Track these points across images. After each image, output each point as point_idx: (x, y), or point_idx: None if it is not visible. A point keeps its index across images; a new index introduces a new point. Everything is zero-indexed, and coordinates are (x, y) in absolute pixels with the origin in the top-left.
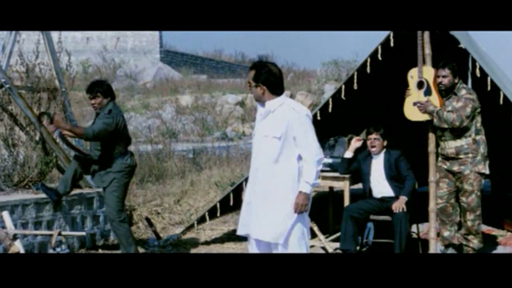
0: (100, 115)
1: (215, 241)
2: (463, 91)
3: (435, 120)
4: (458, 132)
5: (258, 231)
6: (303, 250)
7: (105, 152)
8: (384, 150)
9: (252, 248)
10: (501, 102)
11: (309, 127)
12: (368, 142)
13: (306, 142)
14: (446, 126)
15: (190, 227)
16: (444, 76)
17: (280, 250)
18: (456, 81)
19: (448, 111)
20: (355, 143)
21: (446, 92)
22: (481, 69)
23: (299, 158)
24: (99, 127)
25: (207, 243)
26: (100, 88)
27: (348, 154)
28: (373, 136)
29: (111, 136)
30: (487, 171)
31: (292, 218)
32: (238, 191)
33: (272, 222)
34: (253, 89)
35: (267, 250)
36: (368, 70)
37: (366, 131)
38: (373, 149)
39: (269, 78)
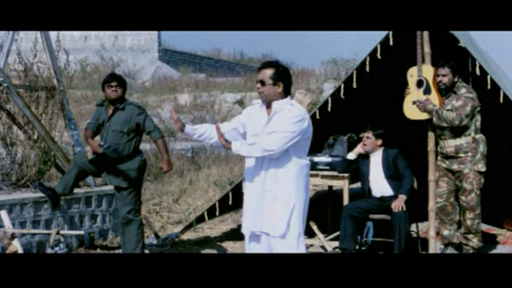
0: (129, 110)
1: (214, 240)
2: (463, 90)
3: (434, 119)
4: (458, 130)
5: (257, 224)
6: (301, 247)
7: (125, 148)
8: (382, 149)
9: (249, 246)
10: (501, 100)
11: (292, 126)
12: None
13: (277, 132)
14: (445, 125)
15: (189, 226)
16: (444, 75)
17: (279, 245)
18: (456, 80)
19: (448, 110)
20: (361, 148)
21: (446, 91)
22: (481, 67)
23: (301, 156)
24: (154, 123)
25: (206, 242)
26: (124, 84)
27: (351, 156)
28: (365, 134)
29: (133, 135)
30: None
31: (291, 213)
32: (237, 190)
33: (272, 215)
34: (268, 88)
35: (267, 247)
36: (367, 69)
37: (364, 130)
38: (365, 147)
39: (287, 77)
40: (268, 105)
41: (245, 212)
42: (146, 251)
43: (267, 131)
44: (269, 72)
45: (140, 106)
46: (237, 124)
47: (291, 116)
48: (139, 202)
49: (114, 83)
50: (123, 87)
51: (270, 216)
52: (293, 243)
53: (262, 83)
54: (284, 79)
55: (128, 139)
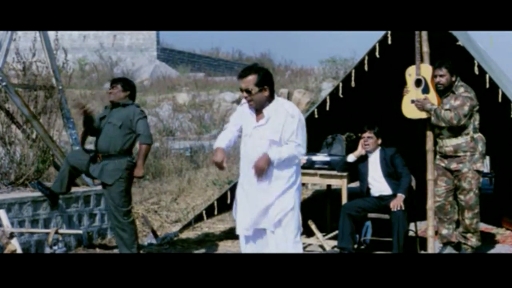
0: (130, 109)
1: (213, 239)
2: (461, 89)
3: (432, 118)
4: (456, 130)
5: (255, 223)
6: (299, 246)
7: (116, 143)
8: (380, 148)
9: (245, 244)
10: (499, 100)
11: (302, 132)
12: (362, 141)
13: (297, 141)
14: (443, 124)
15: (187, 226)
16: (441, 76)
17: (274, 243)
18: (454, 79)
19: (446, 109)
20: (362, 149)
21: (444, 90)
22: (479, 66)
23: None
24: (148, 128)
25: (204, 241)
26: (121, 82)
27: (351, 158)
28: (366, 134)
29: (127, 133)
30: (484, 169)
31: (284, 211)
32: (235, 189)
33: (266, 213)
34: (256, 95)
35: (260, 245)
36: (366, 68)
37: (361, 129)
38: (367, 147)
39: (271, 79)
40: (257, 110)
41: (241, 213)
42: (142, 251)
43: (262, 136)
44: (252, 79)
45: (142, 110)
46: (236, 128)
47: (297, 122)
48: (128, 203)
49: (111, 86)
50: (122, 89)
51: (269, 212)
52: (290, 237)
53: (249, 92)
54: (268, 82)
55: (121, 134)
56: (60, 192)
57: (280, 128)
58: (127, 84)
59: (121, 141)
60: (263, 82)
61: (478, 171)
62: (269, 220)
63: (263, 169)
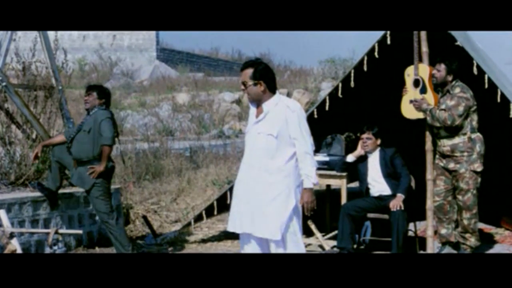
0: (97, 114)
1: (212, 239)
2: (457, 90)
3: (428, 118)
4: (453, 130)
5: (255, 228)
6: (299, 245)
7: (88, 150)
8: (379, 148)
9: (244, 245)
10: (498, 100)
11: (304, 124)
12: (361, 142)
13: (303, 140)
14: (438, 124)
15: (187, 225)
16: (438, 70)
17: (275, 246)
18: (449, 78)
19: (441, 109)
20: (361, 150)
21: (437, 86)
22: (478, 66)
23: (294, 156)
24: (110, 128)
25: (204, 241)
26: (97, 89)
27: (350, 158)
28: (365, 135)
29: (96, 137)
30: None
31: (287, 214)
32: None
33: (268, 218)
34: (250, 88)
35: (260, 246)
36: (365, 68)
37: (360, 130)
38: (365, 148)
39: (268, 75)
40: (258, 104)
41: (236, 212)
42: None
43: (259, 131)
44: (249, 72)
45: (109, 112)
46: None
47: (298, 114)
48: (109, 206)
49: (86, 93)
50: (97, 96)
51: (269, 219)
52: (289, 244)
53: (244, 84)
54: (264, 77)
55: (91, 140)
56: (55, 187)
57: (278, 122)
58: (102, 92)
59: (91, 147)
60: (258, 76)
61: (476, 172)
62: (270, 230)
63: (313, 201)
